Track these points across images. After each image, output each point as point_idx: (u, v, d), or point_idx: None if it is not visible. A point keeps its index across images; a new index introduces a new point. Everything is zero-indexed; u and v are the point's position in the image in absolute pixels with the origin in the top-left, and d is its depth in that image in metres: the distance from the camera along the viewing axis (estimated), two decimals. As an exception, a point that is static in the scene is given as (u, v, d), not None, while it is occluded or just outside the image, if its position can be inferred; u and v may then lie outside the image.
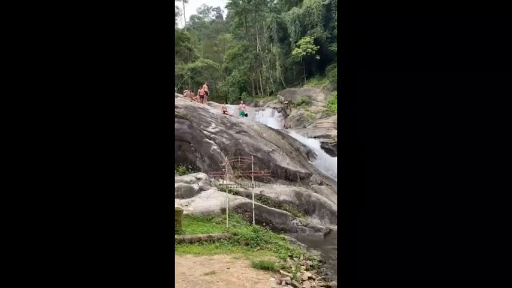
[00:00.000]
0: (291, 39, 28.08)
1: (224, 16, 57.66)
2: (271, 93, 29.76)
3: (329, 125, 20.31)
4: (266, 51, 31.58)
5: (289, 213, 10.86)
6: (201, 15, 63.22)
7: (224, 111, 17.63)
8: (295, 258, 6.56)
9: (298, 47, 26.29)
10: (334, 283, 5.63)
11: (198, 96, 19.43)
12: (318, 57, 25.99)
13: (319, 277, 5.94)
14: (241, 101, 24.32)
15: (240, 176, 11.73)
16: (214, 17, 62.18)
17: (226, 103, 26.31)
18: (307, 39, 26.23)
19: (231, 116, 17.26)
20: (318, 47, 25.71)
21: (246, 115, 19.80)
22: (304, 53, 25.83)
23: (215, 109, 17.81)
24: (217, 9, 63.36)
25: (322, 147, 17.65)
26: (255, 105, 27.86)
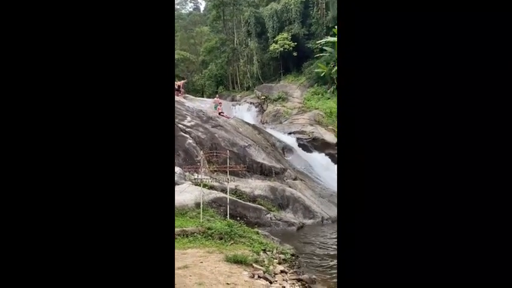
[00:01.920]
0: (268, 34, 28.06)
1: (201, 8, 56.82)
2: (248, 88, 29.69)
3: (304, 121, 20.57)
4: (244, 45, 31.41)
5: (263, 208, 10.95)
6: (178, 7, 61.87)
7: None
8: (268, 252, 6.64)
9: (276, 42, 26.35)
10: (306, 276, 5.75)
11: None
12: (295, 53, 26.15)
13: (292, 270, 6.05)
14: (217, 95, 24.15)
15: (215, 171, 11.69)
16: (191, 9, 61.09)
17: (203, 97, 25.95)
18: (285, 35, 26.32)
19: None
20: (296, 43, 25.87)
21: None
22: (282, 49, 25.91)
23: (191, 102, 17.55)
24: (195, 1, 62.41)
25: (297, 143, 17.89)
26: (232, 100, 27.73)
